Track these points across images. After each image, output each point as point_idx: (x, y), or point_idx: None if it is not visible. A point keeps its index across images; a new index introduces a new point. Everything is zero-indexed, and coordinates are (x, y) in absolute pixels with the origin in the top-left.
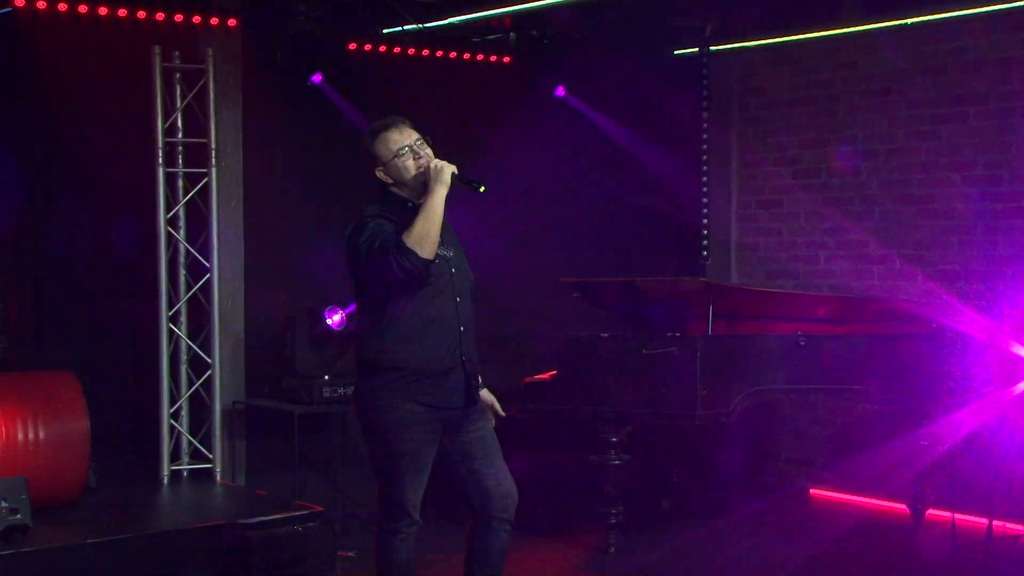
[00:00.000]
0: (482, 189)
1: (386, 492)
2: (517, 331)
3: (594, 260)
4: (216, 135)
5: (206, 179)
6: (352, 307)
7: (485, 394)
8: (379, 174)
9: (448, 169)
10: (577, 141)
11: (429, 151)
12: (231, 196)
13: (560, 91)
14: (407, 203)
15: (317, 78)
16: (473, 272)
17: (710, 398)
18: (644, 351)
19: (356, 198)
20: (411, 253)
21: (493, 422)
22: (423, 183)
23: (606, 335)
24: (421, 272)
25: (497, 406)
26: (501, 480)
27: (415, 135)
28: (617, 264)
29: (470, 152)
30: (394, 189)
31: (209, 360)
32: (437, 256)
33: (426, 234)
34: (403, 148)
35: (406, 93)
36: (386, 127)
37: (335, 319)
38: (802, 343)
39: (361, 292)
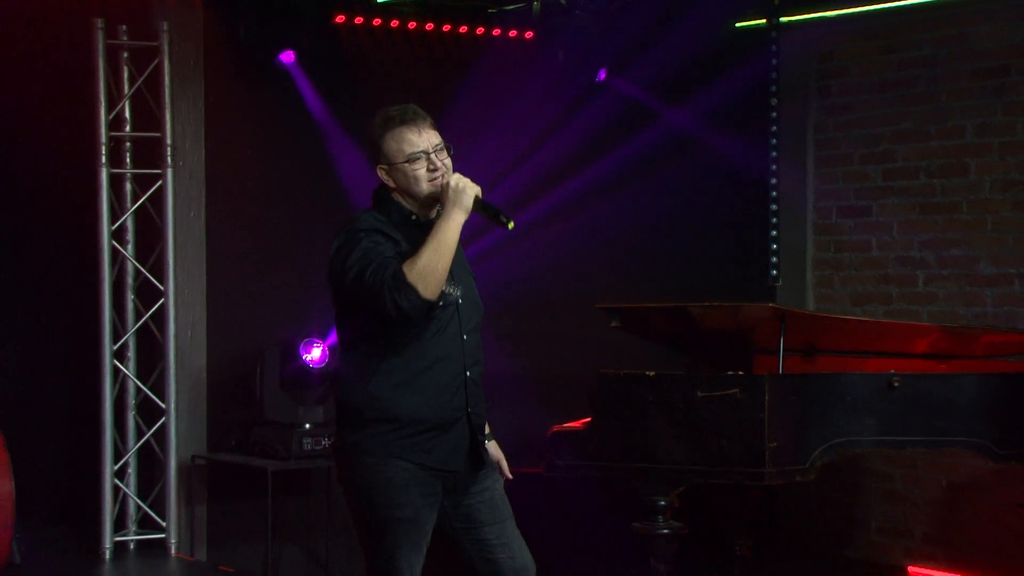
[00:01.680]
0: (510, 225)
1: (376, 568)
2: (539, 367)
3: (636, 279)
4: (172, 128)
5: (160, 182)
6: (333, 338)
7: (492, 448)
8: (381, 172)
9: (471, 191)
10: (614, 135)
11: (448, 162)
12: (191, 204)
13: (602, 75)
14: (410, 217)
15: (287, 56)
16: (483, 296)
17: (782, 452)
18: (699, 394)
19: (344, 208)
20: (410, 290)
21: (503, 481)
22: (434, 200)
23: (652, 373)
24: (419, 314)
25: (503, 464)
26: (515, 552)
27: (436, 139)
28: (665, 285)
29: (484, 151)
30: (396, 196)
31: (163, 405)
32: (443, 294)
33: (432, 269)
34: (418, 154)
35: (404, 77)
36: (403, 120)
37: (314, 355)
38: (896, 384)
39: (345, 323)
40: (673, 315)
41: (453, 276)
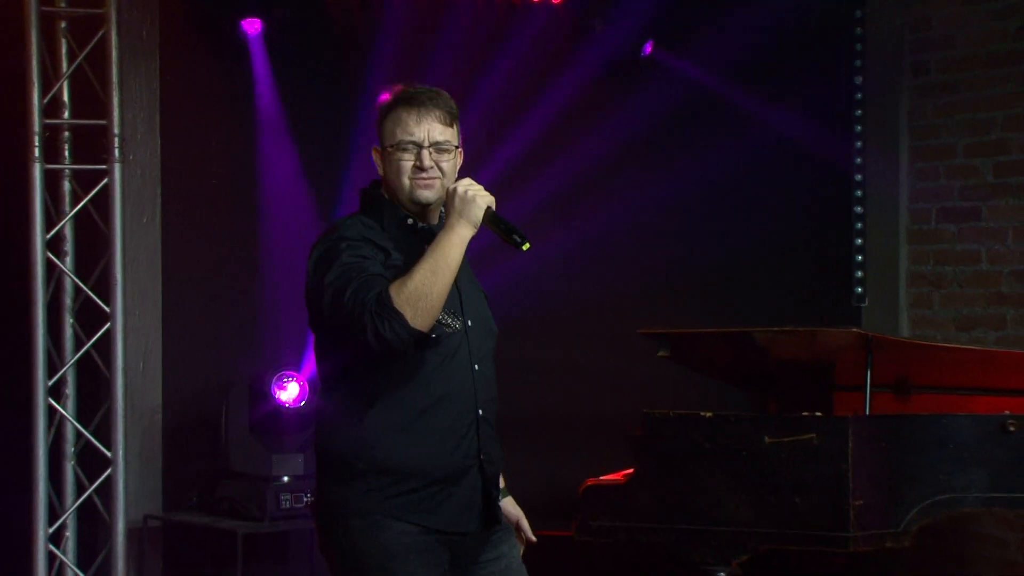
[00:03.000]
0: (526, 246)
1: None
2: (568, 405)
3: (688, 298)
4: (121, 115)
5: (105, 180)
6: (312, 371)
7: (508, 505)
8: (374, 154)
9: (482, 202)
10: (657, 120)
11: (447, 167)
12: (143, 206)
13: (648, 48)
14: (406, 221)
15: (252, 26)
16: (496, 315)
17: (870, 511)
18: (767, 439)
19: (330, 211)
20: (396, 317)
21: (522, 547)
22: (424, 206)
23: (709, 414)
24: (405, 348)
25: (524, 525)
26: None
27: (439, 135)
28: (724, 305)
29: (502, 139)
30: (387, 191)
31: (108, 454)
32: (441, 325)
33: (426, 293)
34: (406, 143)
35: (409, 50)
36: (409, 101)
37: (289, 392)
38: (1012, 427)
39: (327, 353)
40: (735, 342)
41: (461, 298)
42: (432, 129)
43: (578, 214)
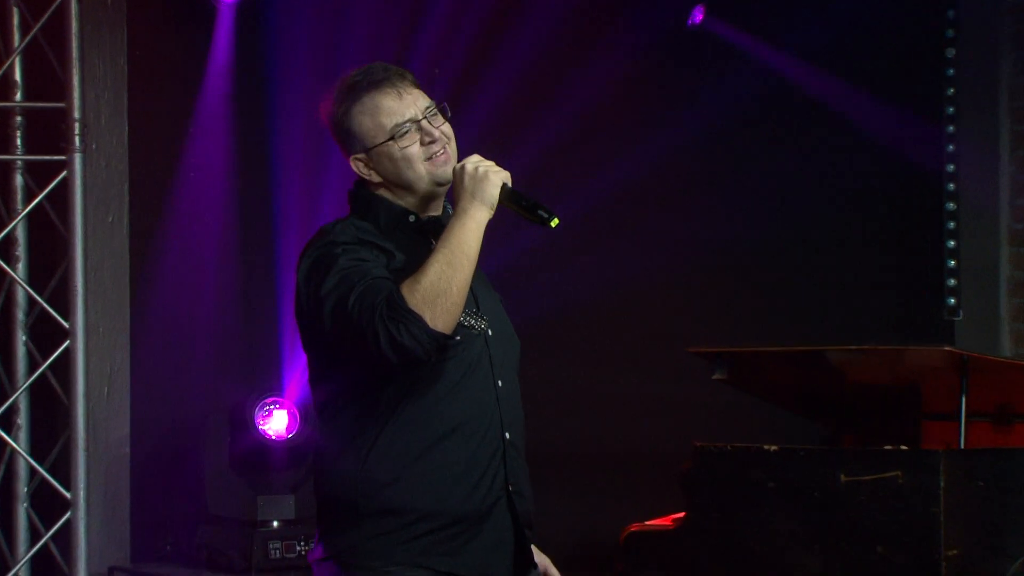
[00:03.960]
0: (554, 222)
1: None
2: (606, 437)
3: (746, 311)
4: (82, 97)
5: (64, 173)
6: (304, 397)
7: (535, 555)
8: (356, 165)
9: (496, 178)
10: (712, 101)
11: (448, 129)
12: (108, 204)
13: (698, 16)
14: (406, 216)
15: None
16: (519, 330)
17: (966, 563)
18: (843, 477)
19: (325, 209)
20: (413, 320)
21: None
22: (436, 188)
23: (774, 448)
24: (427, 356)
25: (553, 572)
26: None
27: (424, 100)
28: (790, 319)
29: (531, 121)
30: (382, 192)
31: (68, 494)
32: (463, 327)
33: (445, 289)
34: (404, 124)
35: (415, 27)
36: (373, 84)
37: (276, 423)
38: None
39: (325, 376)
40: (804, 362)
41: (476, 298)
42: (415, 98)
43: (622, 217)
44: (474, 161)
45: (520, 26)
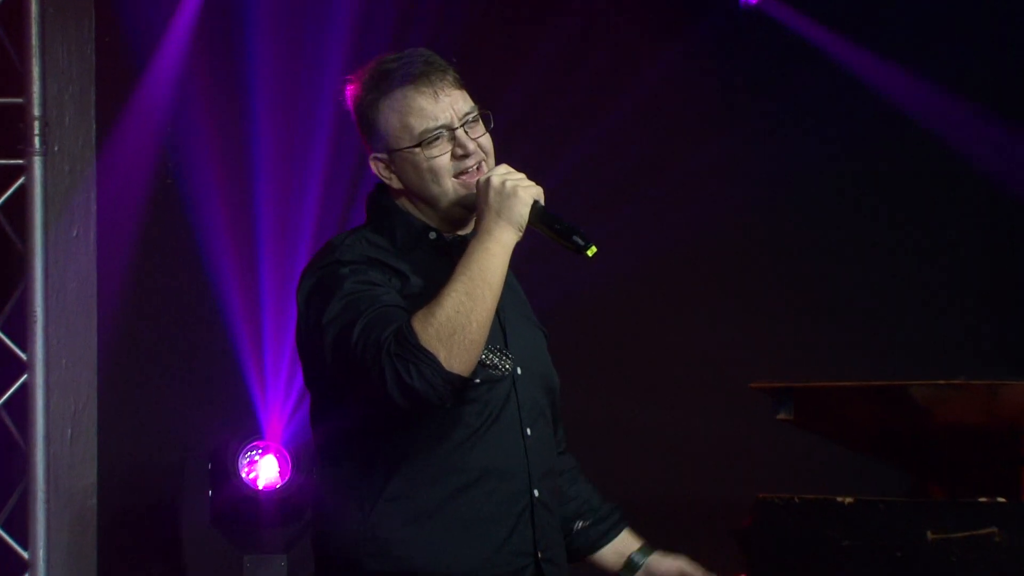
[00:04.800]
0: (591, 251)
1: None
2: (652, 486)
3: (814, 341)
4: (42, 92)
5: (22, 179)
6: (296, 439)
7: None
8: (376, 166)
9: (526, 195)
10: (768, 101)
11: (487, 143)
12: (73, 214)
13: None
14: (427, 234)
15: None
16: (554, 364)
17: None
18: (930, 534)
19: (307, 224)
20: (426, 360)
21: None
22: (465, 209)
23: (848, 500)
24: (441, 401)
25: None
26: None
27: (464, 104)
28: (868, 350)
29: (569, 125)
30: (403, 202)
31: (25, 554)
32: (484, 367)
33: (463, 324)
34: (436, 130)
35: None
36: (409, 77)
37: (265, 471)
38: None
39: (326, 416)
40: (884, 400)
41: (505, 332)
42: (454, 100)
43: (671, 236)
44: (501, 174)
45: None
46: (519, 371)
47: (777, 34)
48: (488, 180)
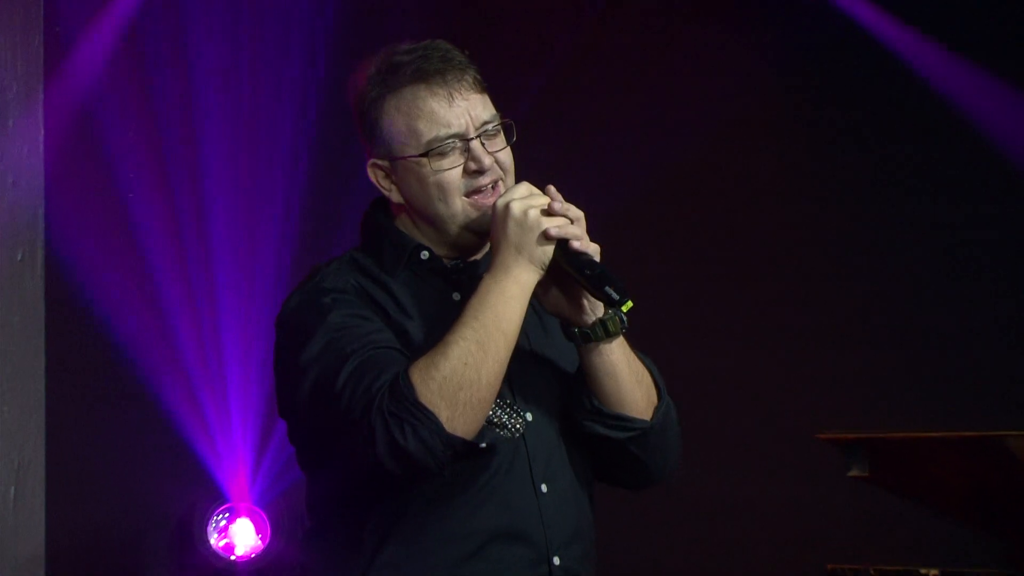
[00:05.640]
0: (627, 307)
1: None
2: (711, 550)
3: (893, 385)
4: None
5: None
6: (275, 500)
7: None
8: (373, 173)
9: (552, 225)
10: (824, 95)
11: (507, 159)
12: (17, 237)
13: None
14: (418, 253)
15: None
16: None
17: None
18: None
19: (331, 245)
20: (425, 419)
21: None
22: (471, 236)
23: (933, 572)
24: (440, 465)
25: None
26: None
27: (484, 110)
28: (951, 395)
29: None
30: (402, 220)
31: None
32: (491, 426)
33: (471, 378)
34: (448, 140)
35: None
36: (420, 74)
37: (238, 536)
38: None
39: (310, 470)
40: (977, 452)
41: (510, 378)
42: (472, 106)
43: (716, 254)
44: (521, 197)
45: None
46: (529, 417)
47: (830, 24)
48: (508, 206)
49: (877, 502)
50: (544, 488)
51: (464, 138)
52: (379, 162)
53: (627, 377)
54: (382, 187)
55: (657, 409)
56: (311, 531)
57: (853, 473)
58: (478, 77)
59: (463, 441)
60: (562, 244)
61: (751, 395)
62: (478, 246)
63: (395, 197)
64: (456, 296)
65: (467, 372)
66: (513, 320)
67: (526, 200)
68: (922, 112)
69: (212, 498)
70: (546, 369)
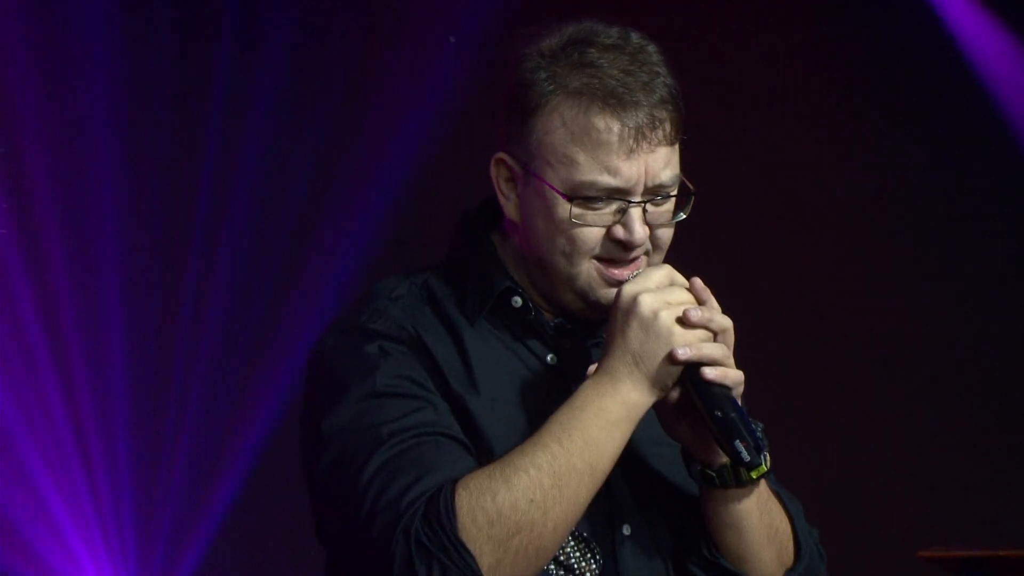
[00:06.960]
0: (757, 472)
1: None
2: None
3: (999, 490)
4: None
5: None
6: None
7: None
8: (496, 169)
9: (684, 341)
10: (869, 82)
11: (666, 236)
12: None
13: None
14: (509, 299)
15: None
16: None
17: None
18: None
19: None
20: (460, 562)
21: None
22: (591, 306)
23: None
24: None
25: None
26: None
27: (664, 166)
28: None
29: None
30: (505, 244)
31: None
32: (560, 563)
33: (534, 522)
34: (605, 191)
35: None
36: (605, 93)
37: None
38: None
39: (325, 543)
40: None
41: (609, 483)
42: (655, 161)
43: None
44: (655, 288)
45: None
46: (626, 531)
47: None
48: (636, 300)
49: None
50: None
51: (625, 199)
52: (510, 161)
53: (757, 532)
54: (501, 192)
55: (790, 571)
56: None
57: None
58: (678, 118)
59: None
60: (693, 370)
61: (846, 503)
62: (585, 315)
63: (511, 212)
64: (551, 359)
65: (531, 512)
66: (607, 453)
67: (660, 296)
68: None
69: None
70: (656, 479)
